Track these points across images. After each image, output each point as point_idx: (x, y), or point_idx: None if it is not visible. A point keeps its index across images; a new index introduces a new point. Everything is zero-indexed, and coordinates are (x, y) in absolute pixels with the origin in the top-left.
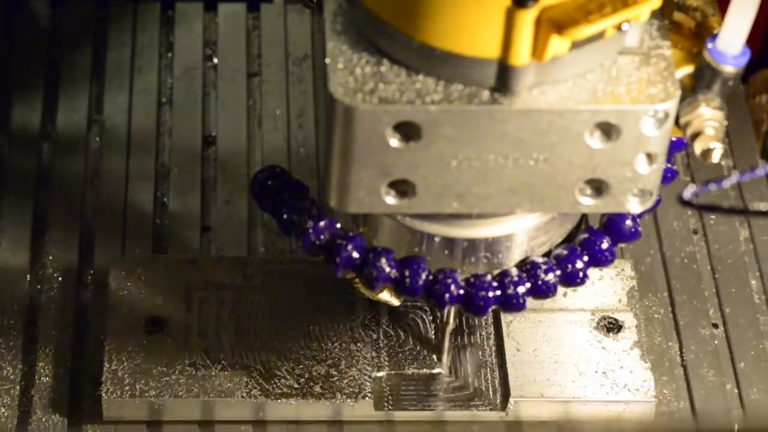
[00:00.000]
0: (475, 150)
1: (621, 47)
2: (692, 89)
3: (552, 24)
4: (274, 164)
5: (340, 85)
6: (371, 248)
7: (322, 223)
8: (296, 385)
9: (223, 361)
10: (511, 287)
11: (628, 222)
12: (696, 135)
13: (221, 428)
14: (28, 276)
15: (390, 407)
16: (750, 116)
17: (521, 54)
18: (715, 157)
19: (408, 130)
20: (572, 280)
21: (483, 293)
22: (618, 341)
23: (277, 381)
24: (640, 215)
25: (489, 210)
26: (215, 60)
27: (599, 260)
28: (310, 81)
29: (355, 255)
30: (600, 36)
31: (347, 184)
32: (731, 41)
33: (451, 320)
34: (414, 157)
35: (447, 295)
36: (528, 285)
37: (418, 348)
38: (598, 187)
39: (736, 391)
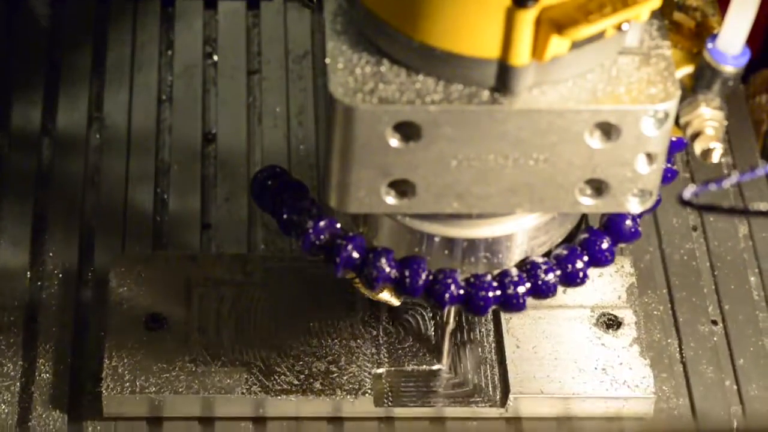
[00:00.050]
0: (475, 150)
1: (621, 47)
2: (692, 89)
3: (552, 24)
4: (273, 164)
5: (340, 85)
6: (371, 248)
7: (322, 223)
8: (296, 382)
9: (223, 358)
10: (511, 287)
11: (628, 222)
12: (696, 135)
13: (221, 425)
14: (29, 273)
15: (390, 404)
16: (750, 116)
17: (521, 54)
18: (715, 157)
19: (408, 130)
20: (572, 280)
21: (483, 293)
22: (617, 338)
23: (277, 377)
24: (640, 215)
25: (489, 210)
26: (215, 57)
27: (599, 260)
28: (310, 78)
29: (355, 255)
30: (600, 36)
31: (347, 184)
32: (731, 41)
33: (451, 320)
34: (414, 157)
35: (447, 295)
36: (528, 285)
37: (418, 345)
38: (598, 187)
39: (735, 387)
